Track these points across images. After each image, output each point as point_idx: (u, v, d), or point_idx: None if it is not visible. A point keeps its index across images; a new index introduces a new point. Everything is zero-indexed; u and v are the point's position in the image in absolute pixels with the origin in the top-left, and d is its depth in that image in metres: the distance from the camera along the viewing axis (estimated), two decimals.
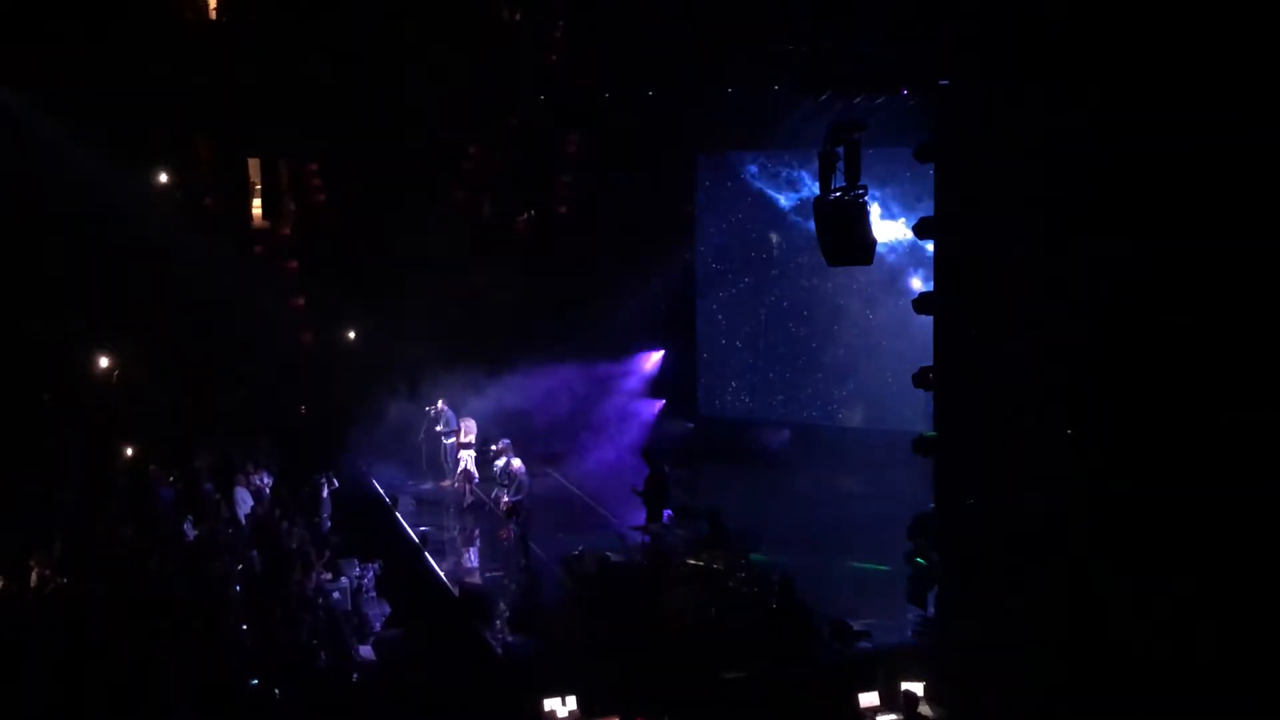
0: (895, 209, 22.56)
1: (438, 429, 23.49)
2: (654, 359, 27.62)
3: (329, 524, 19.94)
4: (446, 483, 23.09)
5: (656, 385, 27.83)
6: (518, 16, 24.83)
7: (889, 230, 22.16)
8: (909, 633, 16.33)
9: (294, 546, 17.90)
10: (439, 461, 23.50)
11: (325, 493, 20.15)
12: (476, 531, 20.63)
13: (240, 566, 16.99)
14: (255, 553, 17.59)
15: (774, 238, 26.29)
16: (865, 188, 16.08)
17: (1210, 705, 12.98)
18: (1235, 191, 13.08)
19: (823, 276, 24.06)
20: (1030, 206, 15.40)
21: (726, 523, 18.07)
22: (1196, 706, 13.02)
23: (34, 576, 15.70)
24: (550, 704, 13.25)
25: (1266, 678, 12.58)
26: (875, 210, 16.73)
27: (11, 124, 19.88)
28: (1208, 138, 13.06)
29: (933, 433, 17.01)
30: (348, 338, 26.33)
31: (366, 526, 20.62)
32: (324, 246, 26.10)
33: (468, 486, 22.27)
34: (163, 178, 23.93)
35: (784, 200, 25.75)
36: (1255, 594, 13.23)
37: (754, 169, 25.84)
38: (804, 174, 24.87)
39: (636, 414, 26.69)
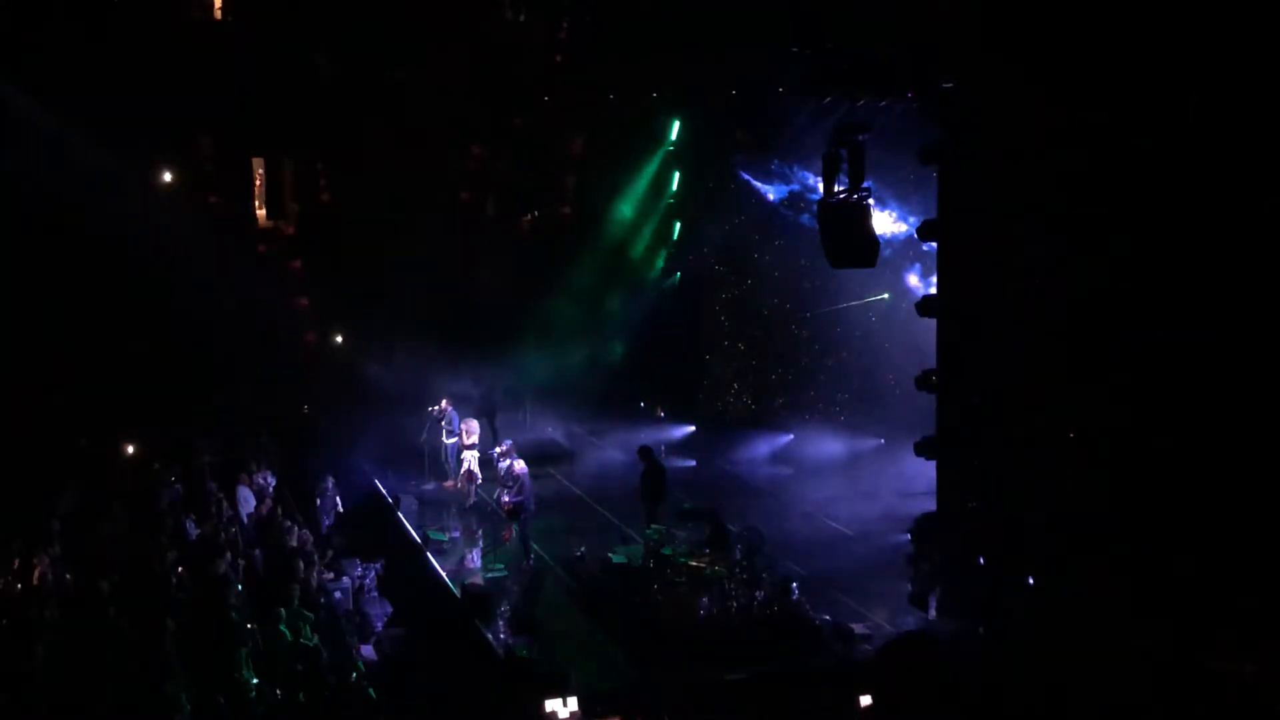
0: (890, 201, 22.34)
1: (441, 428, 23.49)
2: None
3: (329, 523, 19.90)
4: (449, 483, 23.09)
5: (662, 387, 27.91)
6: (522, 17, 24.86)
7: (882, 223, 21.89)
8: None
9: (296, 546, 17.91)
10: (441, 462, 23.50)
11: (329, 494, 20.09)
12: (479, 532, 20.64)
13: (243, 566, 16.99)
14: (258, 552, 17.60)
15: (776, 239, 26.30)
16: (869, 189, 16.09)
17: (1210, 709, 13.00)
18: (1236, 193, 13.10)
19: (825, 278, 24.04)
20: (1033, 208, 15.42)
21: (728, 525, 18.08)
22: (1197, 711, 13.04)
23: (36, 575, 15.71)
24: (551, 704, 13.25)
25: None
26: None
27: (16, 122, 19.89)
28: (1210, 138, 13.08)
29: (935, 435, 17.03)
30: (351, 337, 26.34)
31: (369, 526, 20.63)
32: (327, 246, 26.11)
33: (470, 487, 22.28)
34: (166, 177, 23.94)
35: (773, 194, 25.76)
36: (1259, 589, 13.24)
37: (742, 160, 25.85)
38: (806, 174, 24.85)
39: None
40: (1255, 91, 12.65)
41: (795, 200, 25.35)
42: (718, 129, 24.59)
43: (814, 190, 24.71)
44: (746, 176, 26.12)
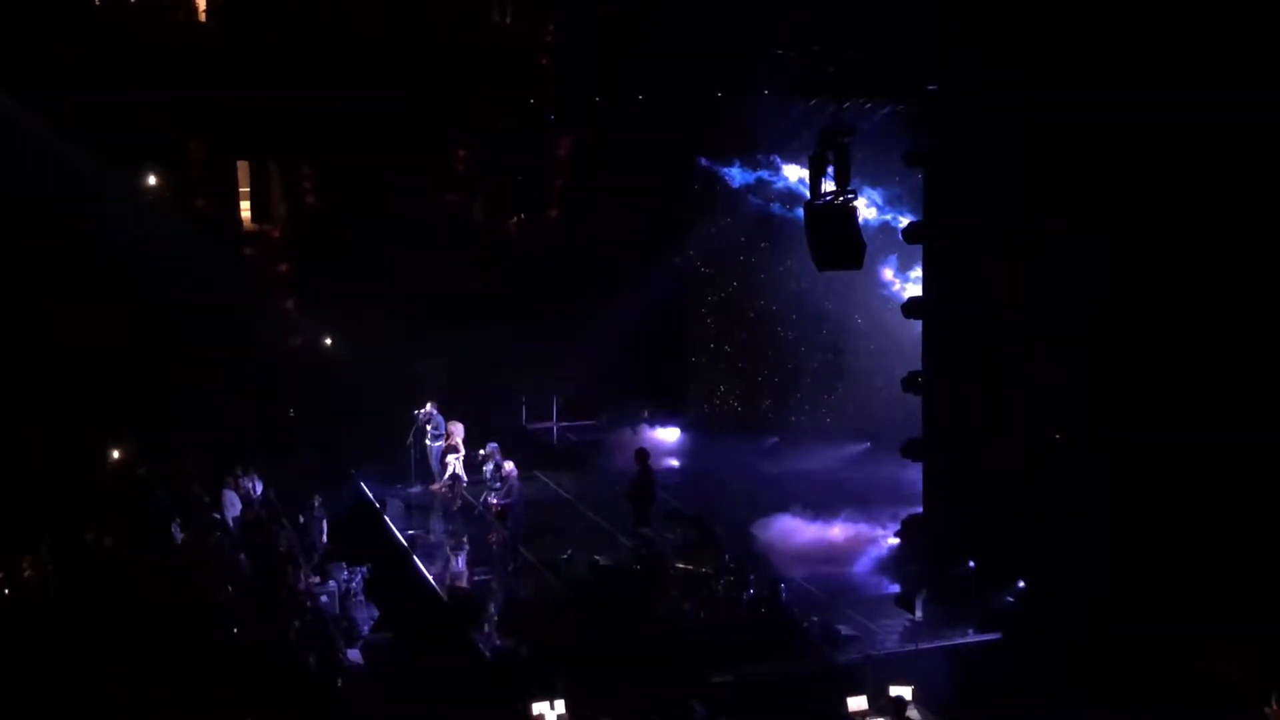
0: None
1: (426, 431, 23.45)
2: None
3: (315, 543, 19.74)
4: (435, 486, 23.07)
5: (649, 390, 27.86)
6: (508, 20, 24.84)
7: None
8: (897, 636, 16.35)
9: (282, 550, 17.87)
10: (427, 465, 23.47)
11: (316, 515, 19.89)
12: (465, 535, 20.62)
13: (228, 570, 16.94)
14: (244, 556, 17.55)
15: (762, 241, 26.31)
16: (855, 192, 16.14)
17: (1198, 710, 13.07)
18: (1225, 191, 13.17)
19: (810, 280, 24.04)
20: (1019, 211, 15.49)
21: (715, 527, 18.10)
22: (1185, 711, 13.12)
23: (24, 580, 15.66)
24: (539, 708, 13.23)
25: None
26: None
27: (2, 125, 19.82)
28: (1200, 138, 13.15)
29: (921, 437, 17.08)
30: (337, 340, 26.29)
31: (355, 530, 20.58)
32: (314, 249, 26.05)
33: (456, 489, 22.25)
34: (152, 180, 23.84)
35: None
36: (1248, 591, 13.31)
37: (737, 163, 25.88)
38: (775, 158, 24.82)
39: None
40: (1241, 90, 12.72)
41: (761, 187, 25.37)
42: (701, 130, 24.58)
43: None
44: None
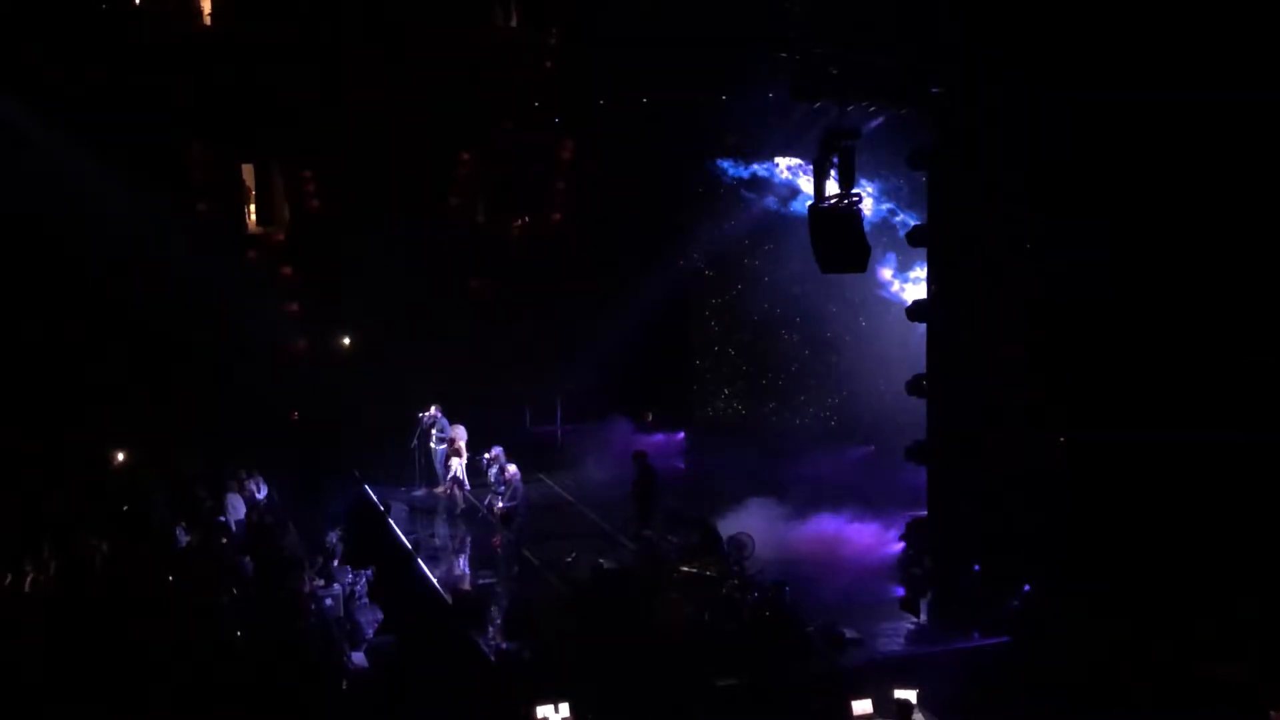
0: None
1: (431, 434, 23.46)
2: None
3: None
4: (440, 489, 23.08)
5: (649, 393, 27.86)
6: (513, 23, 24.87)
7: None
8: (902, 640, 16.33)
9: (286, 553, 17.86)
10: (431, 468, 23.48)
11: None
12: (469, 538, 20.62)
13: (232, 573, 16.94)
14: (247, 559, 17.55)
15: (765, 244, 26.31)
16: (859, 195, 16.12)
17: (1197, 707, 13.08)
18: (1228, 196, 13.18)
19: (814, 283, 24.03)
20: (1024, 213, 15.48)
21: (718, 531, 18.09)
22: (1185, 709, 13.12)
23: (27, 583, 15.66)
24: (543, 711, 13.22)
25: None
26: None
27: (6, 130, 19.86)
28: (1202, 138, 13.16)
29: (926, 440, 17.05)
30: (341, 344, 26.32)
31: (359, 533, 20.58)
32: (317, 253, 26.08)
33: (459, 493, 22.26)
34: (156, 184, 23.86)
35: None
36: (1249, 592, 13.32)
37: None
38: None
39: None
40: (1244, 93, 12.72)
41: (764, 188, 25.34)
42: (704, 132, 24.60)
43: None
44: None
